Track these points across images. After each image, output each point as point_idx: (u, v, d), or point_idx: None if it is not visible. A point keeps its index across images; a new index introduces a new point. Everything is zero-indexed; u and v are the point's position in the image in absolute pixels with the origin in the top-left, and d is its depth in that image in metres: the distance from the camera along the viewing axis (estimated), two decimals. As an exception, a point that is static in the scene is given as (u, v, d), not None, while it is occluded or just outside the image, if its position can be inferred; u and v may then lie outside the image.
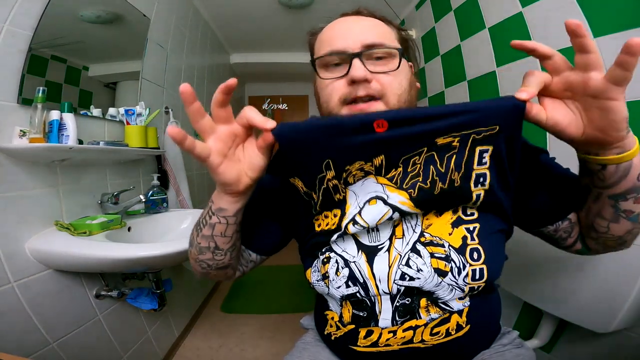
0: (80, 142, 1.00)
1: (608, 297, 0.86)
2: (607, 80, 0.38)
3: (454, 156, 0.47)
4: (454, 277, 0.50)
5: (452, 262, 0.50)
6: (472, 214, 0.52)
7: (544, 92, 0.44)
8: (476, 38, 1.58)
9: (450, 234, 0.51)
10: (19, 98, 0.87)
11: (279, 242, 0.66)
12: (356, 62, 0.52)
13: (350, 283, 0.53)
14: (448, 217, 0.52)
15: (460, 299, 0.52)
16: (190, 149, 0.43)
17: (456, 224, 0.52)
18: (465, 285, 0.50)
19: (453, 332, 0.53)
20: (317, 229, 0.56)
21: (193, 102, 0.42)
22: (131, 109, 1.27)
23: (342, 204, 0.53)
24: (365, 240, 0.54)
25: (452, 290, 0.51)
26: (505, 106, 0.44)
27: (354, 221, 0.52)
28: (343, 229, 0.53)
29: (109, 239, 0.94)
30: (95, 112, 1.17)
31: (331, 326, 0.60)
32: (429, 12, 2.02)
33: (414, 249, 0.51)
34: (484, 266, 0.50)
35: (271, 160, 0.50)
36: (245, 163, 0.48)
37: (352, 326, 0.56)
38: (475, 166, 0.48)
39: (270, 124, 0.45)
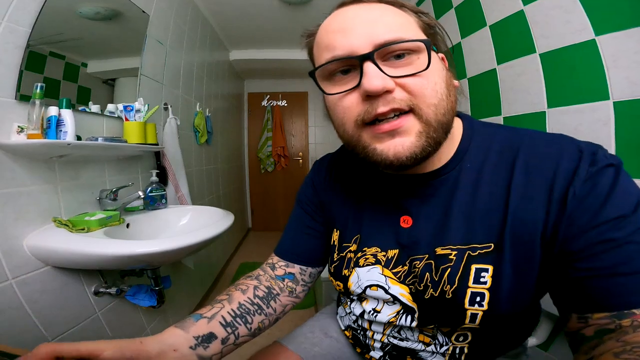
0: (79, 138, 1.00)
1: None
2: None
3: (448, 269, 0.46)
4: (436, 348, 0.53)
5: (436, 339, 0.53)
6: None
7: None
8: (477, 36, 1.57)
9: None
10: (17, 94, 0.87)
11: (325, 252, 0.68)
12: (369, 67, 0.40)
13: (358, 324, 0.62)
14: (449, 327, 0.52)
15: None
16: None
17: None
18: (445, 354, 0.53)
19: None
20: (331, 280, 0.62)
21: None
22: (130, 105, 1.26)
23: (345, 280, 0.58)
24: (368, 315, 0.57)
25: (434, 354, 0.53)
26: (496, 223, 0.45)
27: (360, 296, 0.58)
28: (354, 297, 0.59)
29: (107, 235, 0.94)
30: (94, 108, 1.16)
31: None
32: (430, 9, 2.01)
33: (407, 326, 0.54)
34: (467, 345, 0.52)
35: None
36: None
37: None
38: (470, 284, 0.45)
39: None
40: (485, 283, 0.44)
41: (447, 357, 0.53)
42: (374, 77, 0.39)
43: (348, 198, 0.60)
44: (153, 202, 1.33)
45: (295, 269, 0.65)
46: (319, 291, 1.92)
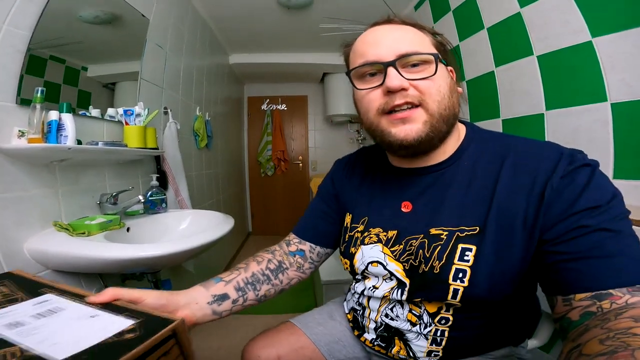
0: (79, 142, 1.00)
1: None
2: None
3: (439, 247, 0.54)
4: (420, 329, 0.59)
5: (422, 320, 0.59)
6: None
7: None
8: (475, 38, 1.58)
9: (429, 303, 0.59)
10: (18, 98, 0.87)
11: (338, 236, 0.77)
12: (391, 71, 0.52)
13: (359, 303, 0.71)
14: (435, 307, 0.58)
15: (428, 355, 0.59)
16: None
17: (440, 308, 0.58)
18: (428, 337, 0.59)
19: None
20: (341, 260, 0.72)
21: None
22: (130, 109, 1.26)
23: (351, 257, 0.67)
24: (368, 291, 0.66)
25: (418, 336, 0.60)
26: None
27: (363, 274, 0.67)
28: (359, 274, 0.67)
29: (107, 239, 0.94)
30: (94, 112, 1.17)
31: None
32: (428, 12, 2.02)
33: (399, 302, 0.61)
34: (447, 328, 0.57)
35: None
36: None
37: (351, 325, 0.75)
38: (456, 261, 0.52)
39: None
40: (468, 261, 0.51)
41: (429, 340, 0.59)
42: (394, 77, 0.52)
43: (361, 187, 0.72)
44: (153, 206, 1.33)
45: (306, 246, 0.76)
46: (319, 293, 1.92)
